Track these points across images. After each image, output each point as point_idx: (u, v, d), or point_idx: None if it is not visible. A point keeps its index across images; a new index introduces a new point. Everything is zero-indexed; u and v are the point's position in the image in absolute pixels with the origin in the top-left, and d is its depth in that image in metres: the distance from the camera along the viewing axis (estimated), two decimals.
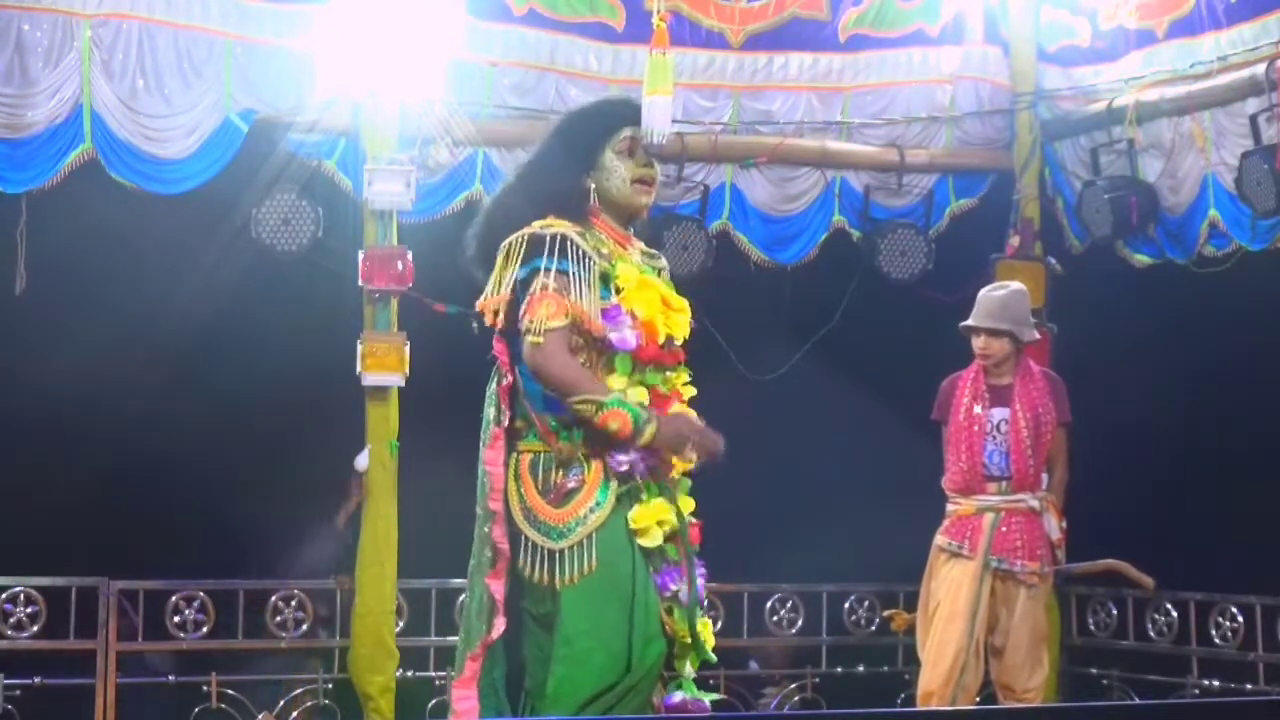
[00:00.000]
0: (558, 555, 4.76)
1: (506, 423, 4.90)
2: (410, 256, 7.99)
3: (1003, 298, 7.03)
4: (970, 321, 7.01)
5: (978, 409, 6.97)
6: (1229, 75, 8.07)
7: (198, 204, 7.88)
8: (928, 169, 9.00)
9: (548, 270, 4.81)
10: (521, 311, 4.86)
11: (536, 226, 4.87)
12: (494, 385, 4.95)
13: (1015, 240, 8.83)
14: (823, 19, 8.90)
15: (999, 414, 6.97)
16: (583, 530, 4.76)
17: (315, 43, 7.95)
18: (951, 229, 8.99)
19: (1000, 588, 6.86)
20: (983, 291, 7.11)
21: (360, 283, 7.97)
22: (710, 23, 8.76)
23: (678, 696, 4.86)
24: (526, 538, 4.80)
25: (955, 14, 9.01)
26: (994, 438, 6.98)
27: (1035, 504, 6.92)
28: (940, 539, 6.98)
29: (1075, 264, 8.79)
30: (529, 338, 4.83)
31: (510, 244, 4.89)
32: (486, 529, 4.85)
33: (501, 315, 4.93)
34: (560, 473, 4.82)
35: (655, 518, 4.83)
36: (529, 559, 4.79)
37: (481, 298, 4.98)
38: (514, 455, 4.87)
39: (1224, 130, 8.13)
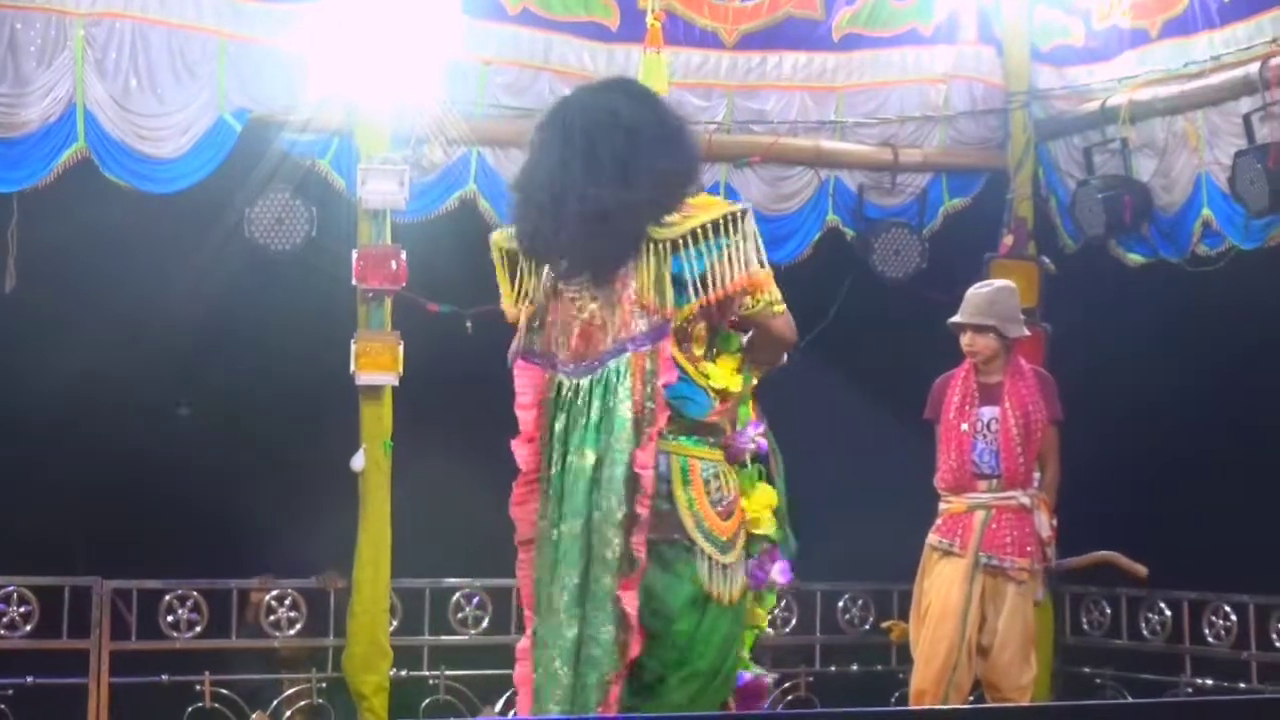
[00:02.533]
0: (728, 570, 4.67)
1: (662, 424, 4.67)
2: (404, 256, 8.00)
3: (989, 294, 7.03)
4: (956, 318, 7.01)
5: (968, 407, 6.97)
6: (1222, 74, 8.08)
7: (191, 203, 7.87)
8: (921, 168, 9.01)
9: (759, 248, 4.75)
10: (738, 287, 4.69)
11: (727, 205, 4.79)
12: (642, 384, 4.64)
13: (1009, 239, 8.84)
14: (816, 18, 8.91)
15: (989, 412, 6.96)
16: (740, 545, 4.71)
17: (309, 42, 7.94)
18: (945, 228, 9.00)
19: (990, 585, 6.86)
20: (971, 289, 7.11)
21: (354, 282, 7.97)
22: (704, 22, 8.76)
23: (746, 676, 4.85)
24: (701, 549, 4.65)
25: (949, 13, 9.02)
26: (984, 436, 6.97)
27: (1026, 501, 6.91)
28: (932, 538, 6.98)
29: (1069, 263, 8.81)
30: (777, 308, 4.81)
31: (726, 221, 4.69)
32: (613, 534, 4.60)
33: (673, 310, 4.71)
34: (727, 482, 4.73)
35: (767, 504, 4.82)
36: (707, 570, 4.66)
37: (715, 283, 4.65)
38: (674, 458, 4.68)
39: (1217, 129, 8.15)
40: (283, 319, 8.16)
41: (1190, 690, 7.99)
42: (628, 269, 4.66)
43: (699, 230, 4.63)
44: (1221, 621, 8.09)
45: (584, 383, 4.68)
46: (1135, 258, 8.59)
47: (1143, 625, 8.40)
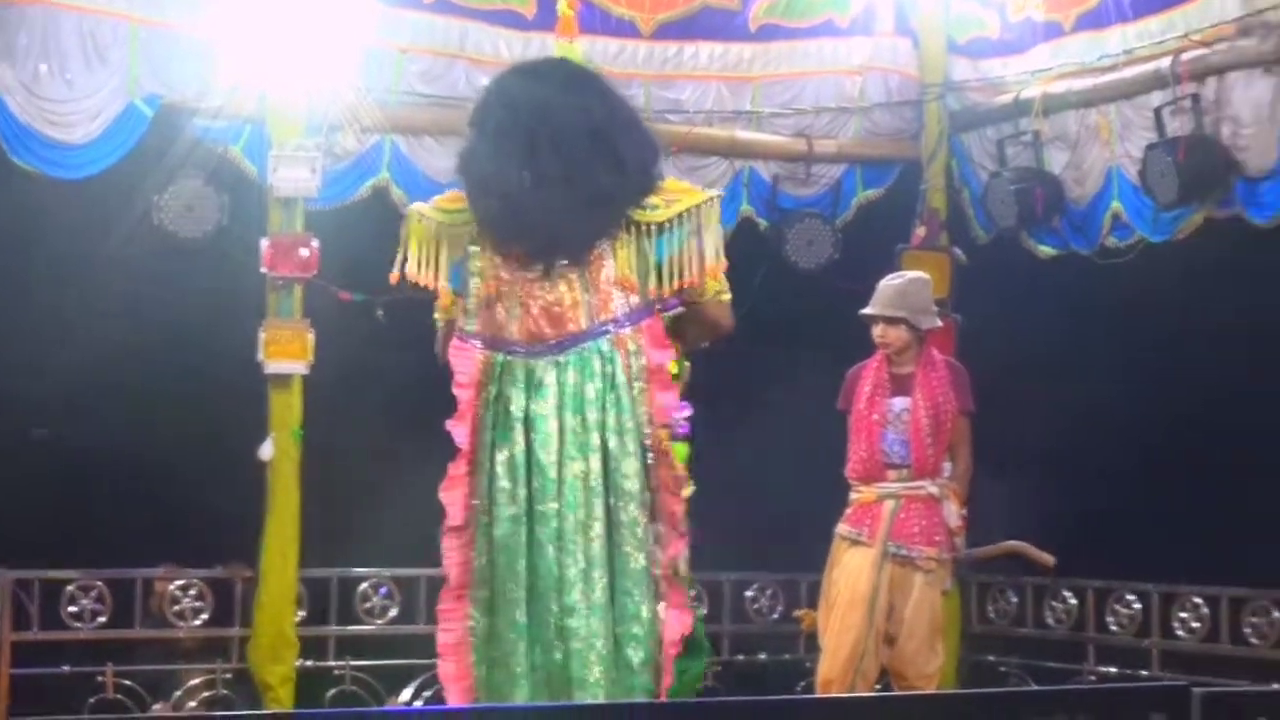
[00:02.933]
0: None
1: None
2: (316, 244, 7.96)
3: (900, 286, 7.04)
4: (868, 310, 7.03)
5: (879, 398, 7.00)
6: (1135, 68, 8.14)
7: (101, 190, 7.82)
8: (836, 159, 9.04)
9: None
10: (708, 275, 4.86)
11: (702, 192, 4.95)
12: (627, 362, 4.78)
13: (921, 230, 8.88)
14: (734, 9, 8.92)
15: (900, 403, 6.98)
16: None
17: (221, 27, 7.89)
18: (859, 219, 9.03)
19: (898, 574, 6.88)
20: (883, 281, 7.11)
21: (264, 270, 7.93)
22: (621, 11, 8.76)
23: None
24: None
25: (865, 5, 9.05)
26: (895, 426, 6.99)
27: (935, 491, 6.94)
28: (842, 527, 7.00)
29: (980, 254, 8.85)
30: (725, 297, 4.94)
31: (704, 208, 4.86)
32: (637, 511, 4.74)
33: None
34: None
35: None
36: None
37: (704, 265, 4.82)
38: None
39: (1129, 123, 8.20)
40: (193, 307, 8.08)
41: (1093, 678, 8.07)
42: (604, 251, 4.76)
43: (683, 215, 4.78)
44: (1124, 609, 8.15)
45: (544, 363, 4.73)
46: (1046, 249, 8.64)
47: (1048, 614, 8.47)
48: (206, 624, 8.01)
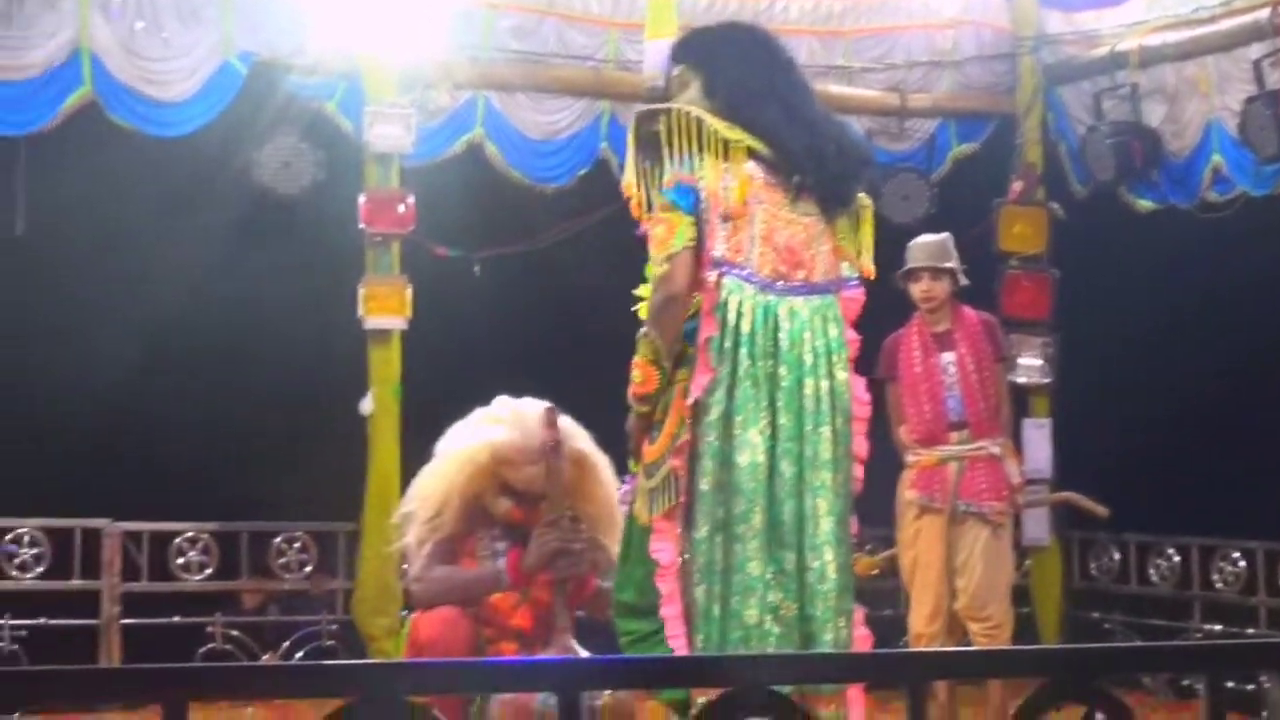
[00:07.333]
0: None
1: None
2: (411, 199, 7.98)
3: (940, 240, 7.04)
4: (917, 263, 6.97)
5: (931, 358, 6.98)
6: (1232, 20, 8.05)
7: (198, 147, 7.85)
8: (930, 113, 8.99)
9: None
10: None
11: None
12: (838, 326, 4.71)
13: (1018, 185, 8.81)
14: None
15: (947, 357, 6.98)
16: None
17: None
18: (954, 173, 8.98)
19: (969, 530, 6.89)
20: (916, 240, 7.07)
21: (361, 226, 7.96)
22: None
23: None
24: None
25: None
26: (947, 384, 7.00)
27: (996, 450, 6.93)
28: (909, 493, 6.98)
29: (1077, 209, 8.78)
30: None
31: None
32: (845, 458, 4.68)
33: None
34: None
35: None
36: None
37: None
38: None
39: (1227, 75, 8.11)
40: (291, 263, 8.14)
41: (1199, 635, 7.99)
42: (840, 219, 4.74)
43: (869, 214, 4.82)
44: (1230, 567, 8.09)
45: (799, 302, 4.63)
46: (1145, 203, 8.56)
47: (1151, 571, 8.40)
48: (312, 576, 8.07)
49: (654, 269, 4.63)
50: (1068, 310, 8.69)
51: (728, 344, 4.58)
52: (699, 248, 4.61)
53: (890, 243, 8.53)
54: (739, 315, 4.59)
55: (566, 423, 5.19)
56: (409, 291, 7.94)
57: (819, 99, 4.93)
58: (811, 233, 4.69)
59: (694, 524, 4.61)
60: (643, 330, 4.65)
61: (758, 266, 4.62)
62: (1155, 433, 8.19)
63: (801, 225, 4.68)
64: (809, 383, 4.60)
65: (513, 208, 8.50)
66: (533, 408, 5.27)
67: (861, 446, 4.74)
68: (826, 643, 4.56)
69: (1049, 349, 8.65)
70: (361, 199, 7.96)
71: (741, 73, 4.73)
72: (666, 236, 4.60)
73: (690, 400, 4.61)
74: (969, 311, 7.07)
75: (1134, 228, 8.53)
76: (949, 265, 6.95)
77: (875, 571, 7.76)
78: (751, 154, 4.65)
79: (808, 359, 4.61)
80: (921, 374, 6.96)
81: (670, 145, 4.62)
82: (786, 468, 4.59)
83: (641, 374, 4.66)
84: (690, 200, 4.61)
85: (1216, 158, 8.18)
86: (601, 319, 4.80)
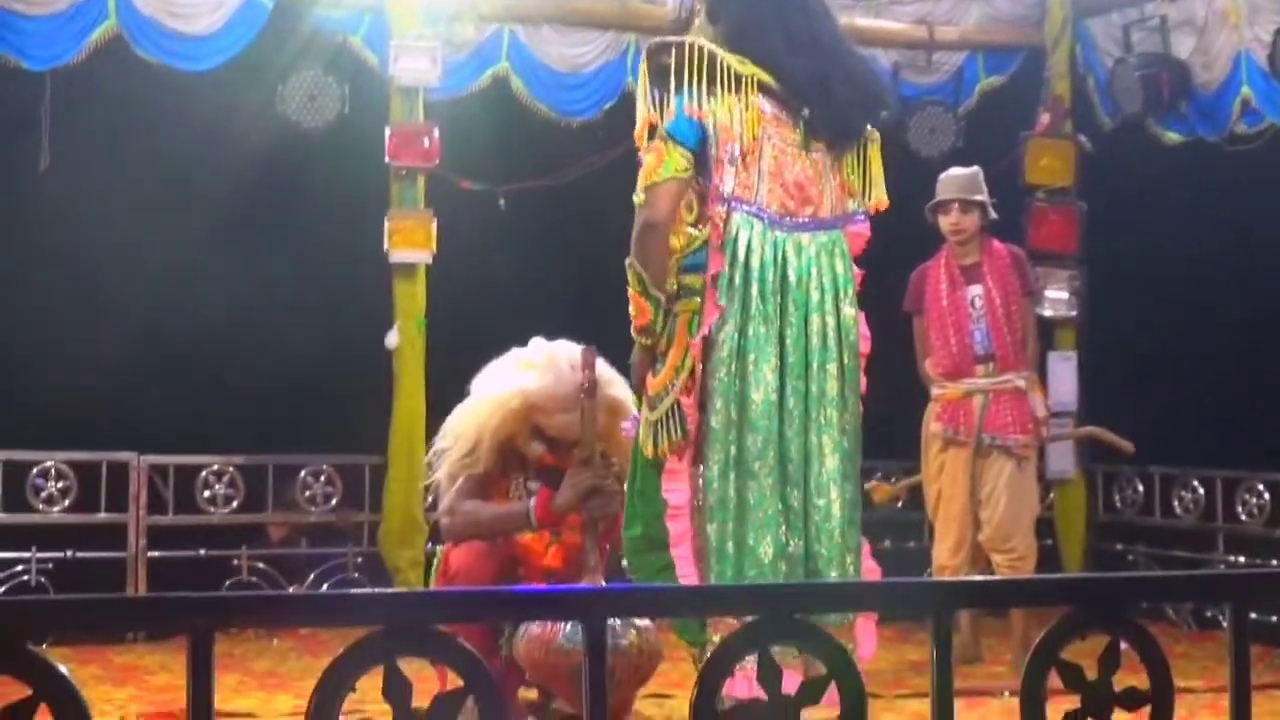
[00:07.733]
0: None
1: None
2: (436, 133, 7.97)
3: (971, 173, 7.06)
4: (948, 195, 6.98)
5: (958, 290, 6.98)
6: None
7: (223, 81, 7.83)
8: (957, 46, 8.91)
9: None
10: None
11: None
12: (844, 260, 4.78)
13: (1046, 117, 8.76)
14: None
15: (975, 290, 6.98)
16: None
17: None
18: (981, 106, 8.91)
19: (994, 462, 6.92)
20: (946, 173, 7.09)
21: (387, 159, 7.95)
22: None
23: None
24: None
25: None
26: (975, 317, 7.00)
27: (1021, 384, 6.96)
28: (934, 426, 7.01)
29: (1105, 142, 8.72)
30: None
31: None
32: (852, 398, 4.74)
33: None
34: None
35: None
36: None
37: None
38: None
39: (1257, 6, 8.04)
40: (316, 196, 8.15)
41: (1223, 567, 7.99)
42: (847, 152, 4.76)
43: (877, 148, 4.86)
44: (1254, 500, 8.08)
45: (806, 238, 4.65)
46: (1173, 136, 8.50)
47: (1175, 503, 8.40)
48: (337, 509, 8.11)
49: (636, 197, 4.65)
50: (1094, 243, 8.65)
51: (737, 280, 4.59)
52: (695, 181, 4.63)
53: (917, 176, 8.62)
54: (749, 251, 4.58)
55: (603, 367, 5.18)
56: (434, 225, 7.94)
57: (843, 31, 4.91)
58: (820, 168, 4.69)
59: (705, 461, 4.62)
60: (628, 260, 4.68)
61: (766, 202, 4.63)
62: (1181, 366, 8.18)
63: (810, 161, 4.68)
64: (815, 319, 4.61)
65: (538, 141, 8.47)
66: (567, 351, 5.27)
67: (860, 382, 4.76)
68: (833, 579, 4.58)
69: (1075, 282, 8.62)
70: (387, 132, 7.95)
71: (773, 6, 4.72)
72: (655, 165, 4.64)
73: (699, 337, 4.62)
74: (997, 245, 7.07)
75: (1162, 160, 8.48)
76: (979, 198, 6.96)
77: (896, 501, 7.81)
78: (762, 88, 4.64)
79: (815, 295, 4.62)
80: (948, 307, 6.97)
81: (680, 78, 4.61)
82: (794, 404, 4.59)
83: (634, 305, 4.70)
84: (691, 134, 4.61)
85: (1246, 90, 8.11)
86: (625, 252, 4.79)
